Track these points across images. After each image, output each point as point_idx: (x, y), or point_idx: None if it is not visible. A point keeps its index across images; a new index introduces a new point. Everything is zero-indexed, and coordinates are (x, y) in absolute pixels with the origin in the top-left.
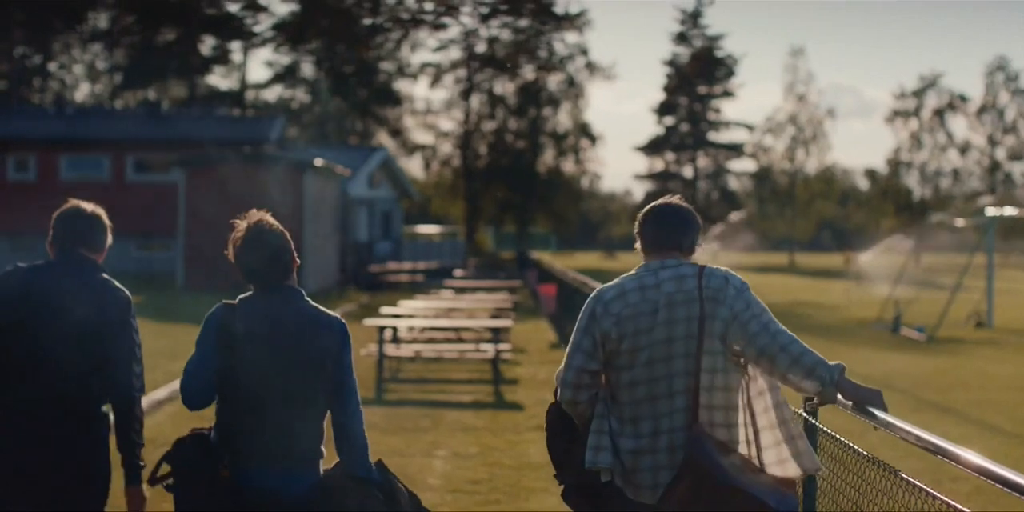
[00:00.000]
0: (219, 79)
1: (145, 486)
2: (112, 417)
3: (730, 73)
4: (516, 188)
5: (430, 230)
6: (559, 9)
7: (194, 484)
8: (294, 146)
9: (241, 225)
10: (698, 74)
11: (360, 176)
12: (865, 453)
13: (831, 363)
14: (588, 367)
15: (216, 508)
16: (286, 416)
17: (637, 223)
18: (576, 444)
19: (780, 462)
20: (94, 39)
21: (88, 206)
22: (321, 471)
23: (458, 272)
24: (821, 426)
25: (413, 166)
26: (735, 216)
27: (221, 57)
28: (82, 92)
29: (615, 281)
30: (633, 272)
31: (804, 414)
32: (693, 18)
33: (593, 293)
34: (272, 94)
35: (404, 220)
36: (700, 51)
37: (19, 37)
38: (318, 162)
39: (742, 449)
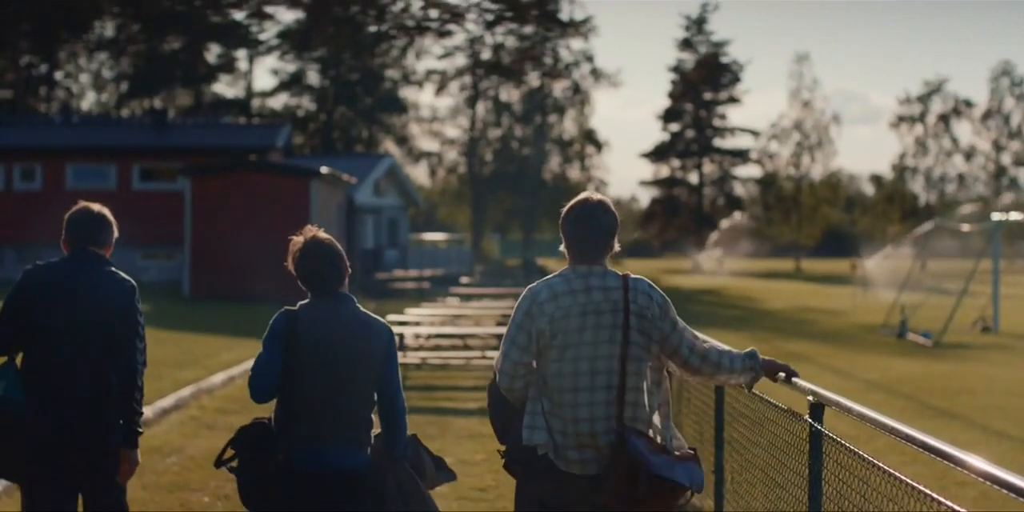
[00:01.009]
0: (225, 87)
1: (139, 451)
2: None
3: (735, 79)
4: (522, 195)
5: (436, 237)
6: (564, 16)
7: (254, 466)
8: (300, 154)
9: (298, 239)
10: (703, 80)
11: (366, 184)
12: (870, 458)
13: (746, 352)
14: (522, 360)
15: (273, 487)
16: (340, 407)
17: (562, 221)
18: (514, 422)
19: (678, 441)
20: (100, 48)
21: (95, 207)
22: (368, 452)
23: (464, 279)
24: (827, 431)
25: (419, 174)
26: (735, 218)
27: (227, 65)
28: (88, 101)
29: (545, 281)
30: (561, 275)
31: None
32: (698, 24)
33: (526, 292)
34: (278, 102)
35: (410, 228)
36: (705, 57)
37: (25, 46)
38: (324, 170)
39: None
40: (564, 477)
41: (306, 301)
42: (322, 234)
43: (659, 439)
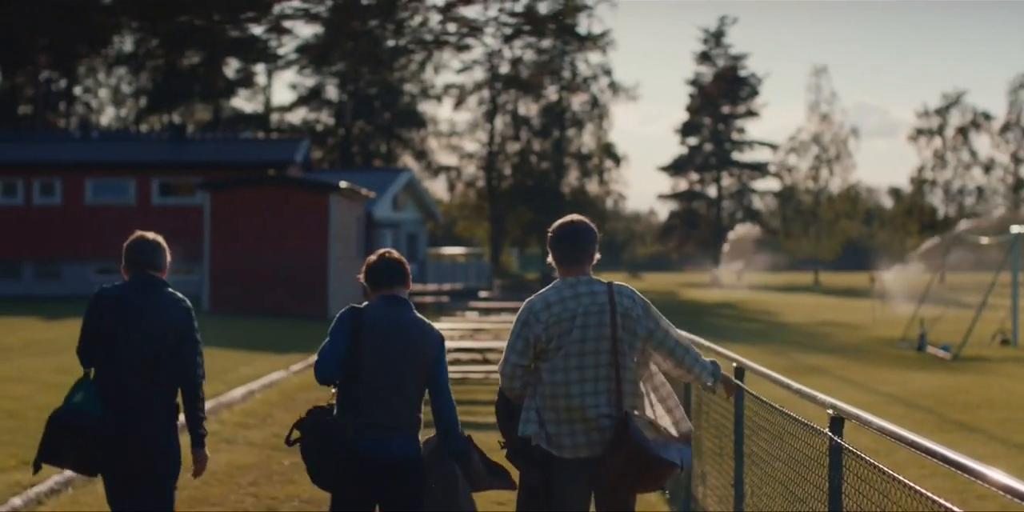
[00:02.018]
0: (243, 102)
1: (207, 449)
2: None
3: (754, 92)
4: (541, 209)
5: (455, 252)
6: (582, 29)
7: (318, 445)
8: (319, 169)
9: (373, 256)
10: (721, 94)
11: (385, 198)
12: (891, 472)
13: (710, 361)
14: (521, 363)
15: (335, 464)
16: (395, 396)
17: (549, 239)
18: (515, 420)
19: (672, 425)
20: (119, 63)
21: (150, 235)
22: (420, 440)
23: (483, 293)
24: (847, 445)
25: (438, 188)
26: (740, 229)
27: (245, 80)
28: (107, 116)
29: (540, 294)
30: (553, 287)
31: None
32: (716, 38)
33: (524, 305)
34: (296, 117)
35: (429, 242)
36: (723, 70)
37: (44, 61)
38: (343, 184)
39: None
40: (556, 462)
41: (368, 302)
42: (393, 251)
43: (650, 421)
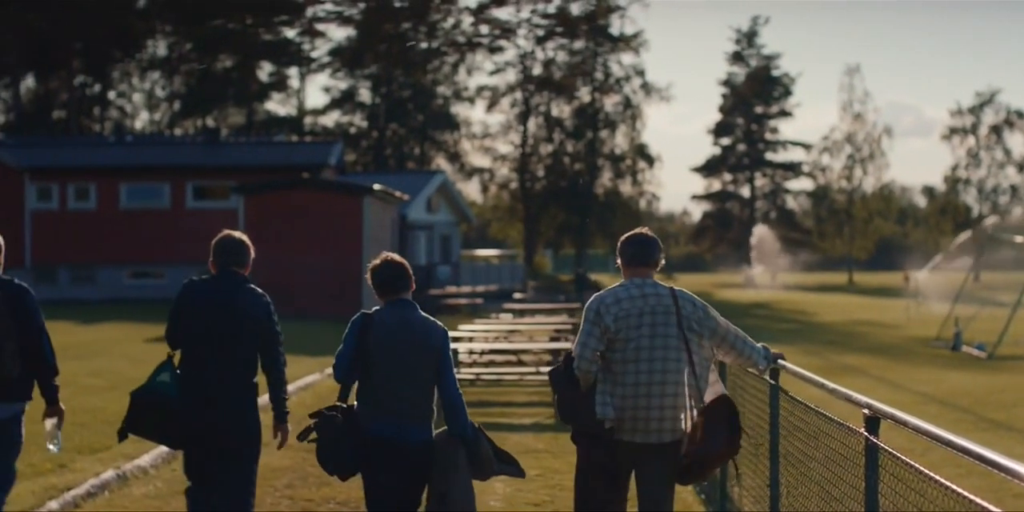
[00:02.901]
0: (277, 105)
1: (288, 425)
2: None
3: (787, 92)
4: (574, 210)
5: (489, 253)
6: (615, 30)
7: (332, 438)
8: (352, 171)
9: (377, 260)
10: (754, 94)
11: (419, 200)
12: (927, 472)
13: (761, 345)
14: (598, 348)
15: (349, 451)
16: (407, 389)
17: (619, 246)
18: (581, 403)
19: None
20: (153, 67)
21: (236, 234)
22: (432, 429)
23: (517, 295)
24: (883, 445)
25: (471, 190)
26: (759, 231)
27: (279, 83)
28: (141, 120)
29: (610, 290)
30: (621, 285)
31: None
32: (749, 38)
33: (594, 298)
34: (330, 119)
35: (463, 244)
36: (756, 70)
37: (78, 66)
38: (376, 187)
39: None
40: (621, 444)
41: (378, 307)
42: (394, 255)
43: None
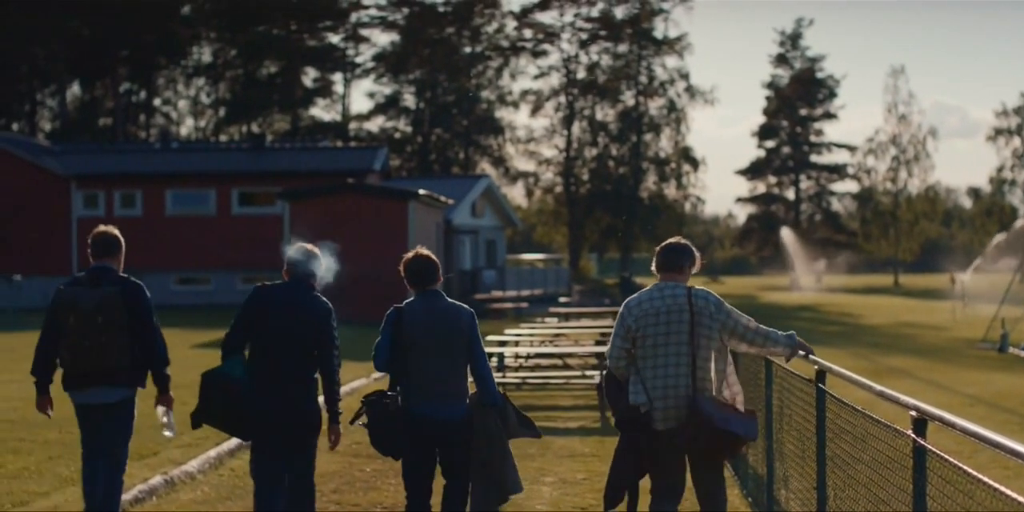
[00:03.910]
0: (321, 111)
1: (342, 426)
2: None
3: (831, 94)
4: (619, 214)
5: (534, 258)
6: (659, 33)
7: (381, 416)
8: (397, 176)
9: (409, 253)
10: (799, 96)
11: (463, 205)
12: (976, 474)
13: (786, 334)
14: (624, 346)
15: (397, 432)
16: (443, 369)
17: (656, 252)
18: (622, 394)
19: (739, 404)
20: (198, 74)
21: (309, 245)
22: (467, 404)
23: (563, 299)
24: (931, 447)
25: (516, 194)
26: (785, 235)
27: (323, 89)
28: (187, 126)
29: (637, 294)
30: (648, 289)
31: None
32: (793, 40)
33: (625, 302)
34: (374, 125)
35: (508, 248)
36: (800, 73)
37: (124, 73)
38: (421, 192)
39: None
40: (653, 431)
41: (410, 298)
42: (423, 250)
43: (720, 396)
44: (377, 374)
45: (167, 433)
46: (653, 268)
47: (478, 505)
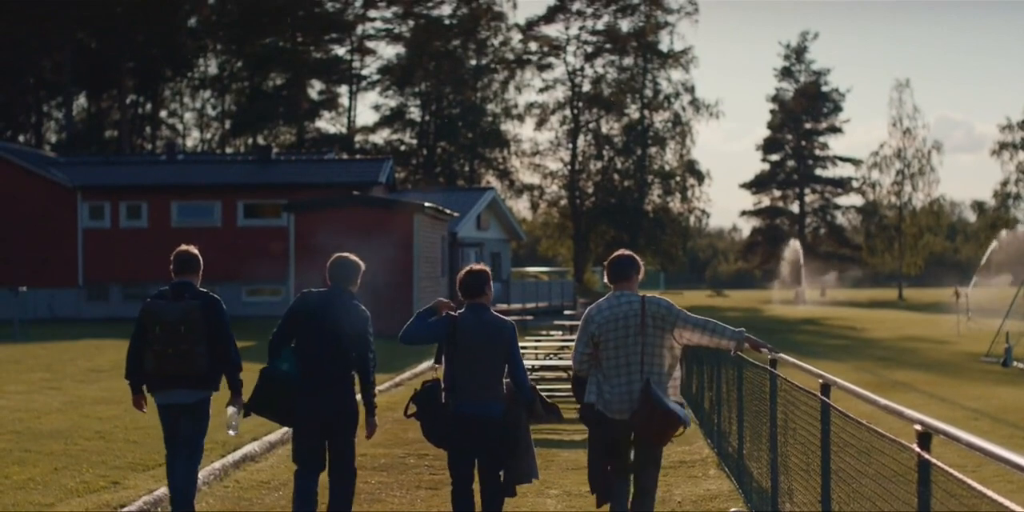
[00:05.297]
0: (327, 123)
1: (376, 418)
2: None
3: (836, 108)
4: (623, 227)
5: (539, 270)
6: (664, 47)
7: (430, 413)
8: (402, 189)
9: (463, 271)
10: (803, 110)
11: (469, 218)
12: (981, 489)
13: (736, 329)
14: (585, 351)
15: (445, 427)
16: (485, 372)
17: (605, 266)
18: (582, 392)
19: (675, 395)
20: (204, 86)
21: (350, 256)
22: (503, 403)
23: (567, 312)
24: (935, 461)
25: (521, 207)
26: (792, 246)
27: (329, 101)
28: (192, 138)
29: (597, 303)
30: (605, 298)
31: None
32: (798, 53)
33: (586, 311)
34: (380, 137)
35: (513, 261)
36: (805, 86)
37: (130, 85)
38: (427, 204)
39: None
40: (611, 422)
41: (461, 309)
42: (479, 265)
43: (669, 392)
44: (382, 387)
45: (231, 432)
46: (605, 280)
47: (508, 486)
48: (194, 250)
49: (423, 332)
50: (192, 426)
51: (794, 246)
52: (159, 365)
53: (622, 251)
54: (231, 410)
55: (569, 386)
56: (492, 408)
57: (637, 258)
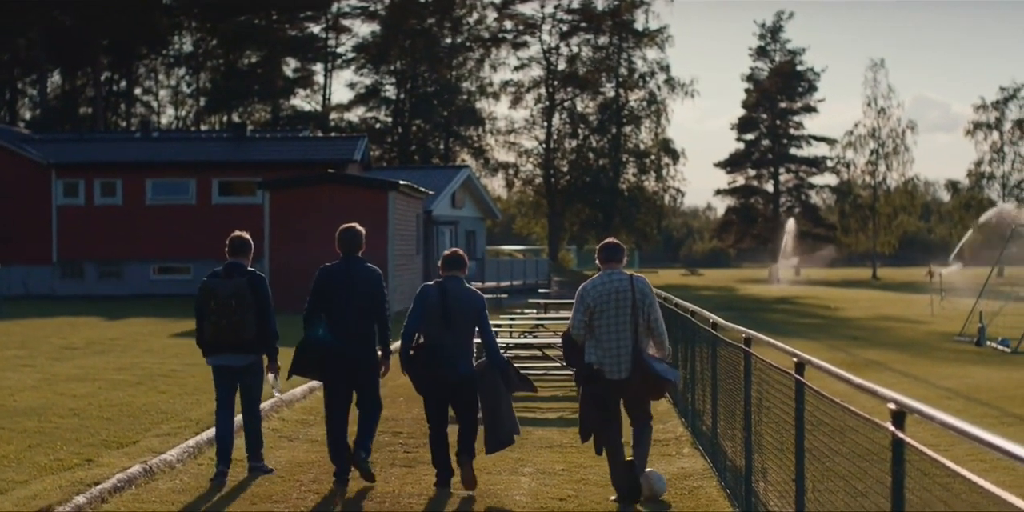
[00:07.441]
0: (302, 101)
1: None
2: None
3: (811, 88)
4: (598, 206)
5: (513, 249)
6: (639, 25)
7: (417, 375)
8: (377, 167)
9: (447, 251)
10: (778, 89)
11: (443, 196)
12: (954, 467)
13: (670, 351)
14: (584, 320)
15: (427, 385)
16: (457, 340)
17: (599, 249)
18: (579, 355)
19: (664, 355)
20: (178, 63)
21: (354, 225)
22: (473, 364)
23: (542, 290)
24: (909, 440)
25: (496, 185)
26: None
27: (304, 79)
28: (167, 116)
29: (591, 280)
30: (598, 276)
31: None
32: (773, 33)
33: (582, 286)
34: (355, 115)
35: (488, 239)
36: (780, 66)
37: (104, 62)
38: (401, 182)
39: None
40: (607, 381)
41: (439, 279)
42: (458, 251)
43: (654, 355)
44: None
45: (276, 393)
46: (597, 261)
47: (494, 443)
48: (246, 235)
49: (418, 310)
50: (247, 386)
51: (790, 225)
52: (216, 333)
53: (611, 239)
54: (271, 376)
55: (543, 365)
56: (463, 368)
57: (623, 245)
